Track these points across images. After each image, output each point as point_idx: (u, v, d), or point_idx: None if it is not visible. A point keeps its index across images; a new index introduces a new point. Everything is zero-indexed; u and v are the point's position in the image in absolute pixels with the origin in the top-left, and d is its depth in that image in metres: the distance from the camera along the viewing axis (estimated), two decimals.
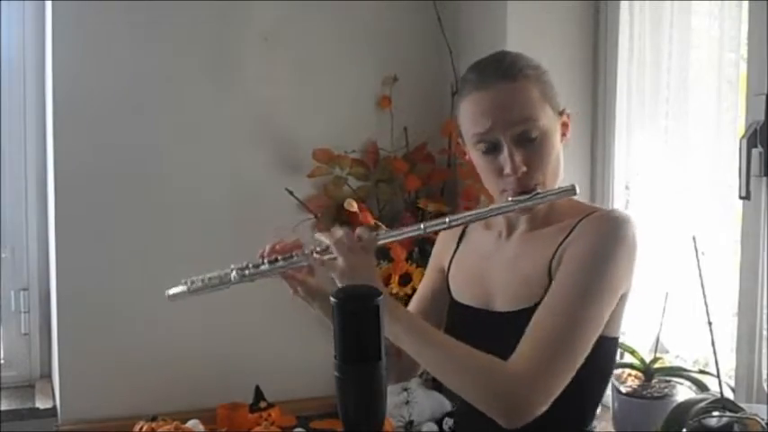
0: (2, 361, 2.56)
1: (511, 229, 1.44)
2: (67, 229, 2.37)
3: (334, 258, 1.33)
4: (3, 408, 2.37)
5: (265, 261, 1.40)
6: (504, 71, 1.34)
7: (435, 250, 1.60)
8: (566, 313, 1.27)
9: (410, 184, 2.57)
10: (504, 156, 1.32)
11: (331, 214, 2.50)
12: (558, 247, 1.34)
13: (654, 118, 2.16)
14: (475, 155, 1.38)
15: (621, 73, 2.27)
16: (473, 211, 1.41)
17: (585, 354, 1.27)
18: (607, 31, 2.33)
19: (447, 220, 1.37)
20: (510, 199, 1.34)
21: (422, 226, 1.38)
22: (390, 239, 1.43)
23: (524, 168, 1.32)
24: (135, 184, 2.39)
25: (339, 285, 1.29)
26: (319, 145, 2.48)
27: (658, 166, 2.15)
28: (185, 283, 1.47)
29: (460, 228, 1.53)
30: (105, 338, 2.37)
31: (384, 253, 2.44)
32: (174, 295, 1.50)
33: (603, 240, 1.31)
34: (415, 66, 2.64)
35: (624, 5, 2.25)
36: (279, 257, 1.40)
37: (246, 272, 1.41)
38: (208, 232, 2.44)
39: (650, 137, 2.18)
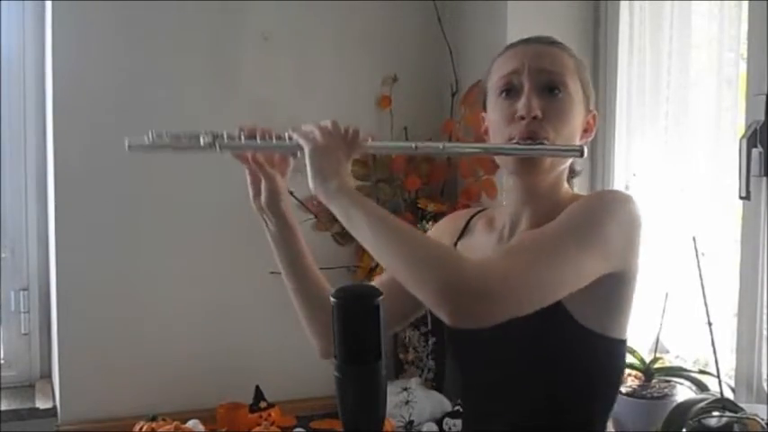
0: (2, 361, 2.56)
1: (513, 229, 1.36)
2: (67, 229, 2.37)
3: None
4: (3, 408, 2.37)
5: (243, 134, 1.32)
6: (549, 39, 1.33)
7: (435, 233, 1.51)
8: (545, 237, 1.18)
9: (410, 184, 2.57)
10: (523, 99, 1.26)
11: (331, 214, 2.49)
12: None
13: (654, 118, 2.16)
14: (494, 106, 1.31)
15: (621, 73, 2.27)
16: (469, 144, 1.35)
17: (559, 287, 1.16)
18: (607, 31, 2.33)
19: (441, 146, 1.32)
20: (514, 141, 1.26)
21: (413, 145, 1.32)
22: (377, 147, 1.39)
23: (540, 114, 1.25)
24: (135, 185, 2.39)
25: (308, 167, 1.22)
26: None
27: (658, 166, 2.15)
28: (149, 136, 1.36)
29: (463, 222, 1.46)
30: (105, 338, 2.37)
31: None
32: (134, 146, 1.37)
33: (594, 204, 1.24)
34: (415, 66, 2.64)
35: (624, 5, 2.25)
36: (258, 135, 1.32)
37: (218, 140, 1.32)
38: (207, 232, 2.44)
39: (650, 137, 2.18)
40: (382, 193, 2.58)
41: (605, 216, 1.21)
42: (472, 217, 1.47)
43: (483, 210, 1.50)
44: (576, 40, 2.36)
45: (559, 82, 1.28)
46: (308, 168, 1.23)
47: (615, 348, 1.30)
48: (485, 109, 1.37)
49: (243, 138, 1.32)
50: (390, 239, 1.16)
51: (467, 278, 1.10)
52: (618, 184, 2.30)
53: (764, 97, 1.74)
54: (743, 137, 1.76)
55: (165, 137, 1.36)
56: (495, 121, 1.31)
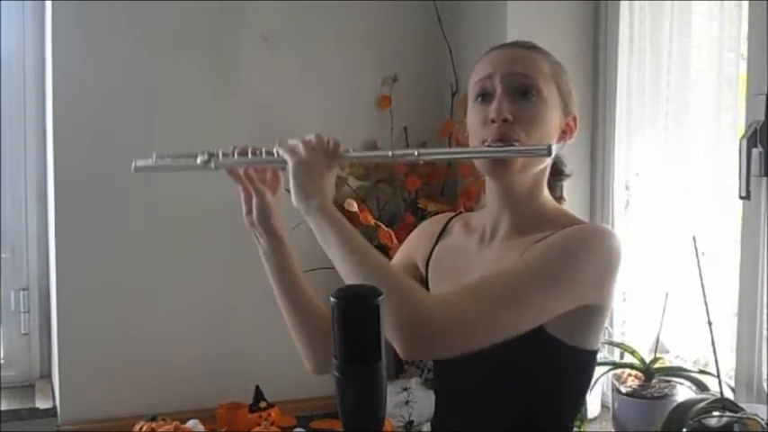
0: (2, 361, 2.56)
1: (494, 232, 1.37)
2: (67, 229, 2.37)
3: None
4: (3, 408, 2.37)
5: (236, 152, 1.35)
6: (525, 43, 1.36)
7: (408, 244, 1.53)
8: (511, 282, 1.20)
9: (410, 184, 2.57)
10: (495, 102, 1.29)
11: None
12: (531, 246, 1.28)
13: (654, 118, 2.16)
14: (471, 111, 1.34)
15: (621, 73, 2.27)
16: (443, 149, 1.38)
17: (507, 331, 1.17)
18: (607, 31, 2.33)
19: (416, 152, 1.34)
20: (485, 144, 1.29)
21: (390, 153, 1.35)
22: (357, 157, 1.44)
23: (510, 117, 1.27)
24: (135, 185, 2.39)
25: (291, 183, 1.26)
26: None
27: (658, 166, 2.15)
28: (153, 158, 1.43)
29: (440, 226, 1.48)
30: (105, 338, 2.37)
31: (383, 251, 2.44)
32: (140, 167, 1.45)
33: (572, 242, 1.25)
34: (415, 66, 2.64)
35: (624, 5, 2.25)
36: (249, 153, 1.35)
37: (213, 158, 1.36)
38: (207, 232, 2.44)
39: (650, 137, 2.18)
40: (382, 193, 2.58)
41: (577, 256, 1.23)
42: (449, 220, 1.49)
43: (458, 213, 1.52)
44: (576, 40, 2.36)
45: (532, 86, 1.30)
46: (291, 183, 1.27)
47: (586, 358, 1.32)
48: (463, 112, 1.41)
49: (236, 155, 1.35)
50: (356, 267, 1.20)
51: (423, 315, 1.15)
52: (618, 183, 2.31)
53: (764, 97, 1.74)
54: (743, 137, 1.76)
55: (167, 159, 1.42)
56: (472, 125, 1.34)
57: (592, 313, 1.27)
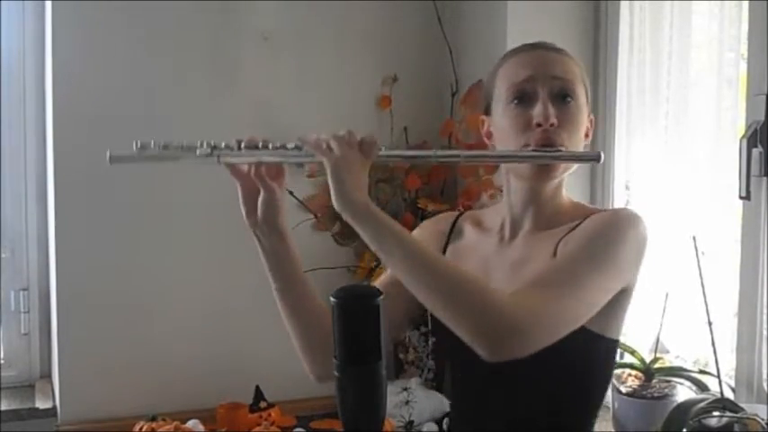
0: (2, 361, 2.56)
1: (514, 230, 1.37)
2: (67, 229, 2.37)
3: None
4: (3, 408, 2.37)
5: (242, 145, 1.26)
6: (553, 46, 1.36)
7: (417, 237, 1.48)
8: (571, 268, 1.22)
9: (410, 184, 2.57)
10: (539, 106, 1.28)
11: (331, 214, 2.49)
12: (563, 238, 1.29)
13: (654, 118, 2.16)
14: (504, 113, 1.32)
15: (621, 73, 2.27)
16: (488, 152, 1.35)
17: (584, 316, 1.20)
18: (607, 31, 2.33)
19: (460, 155, 1.32)
20: (530, 149, 1.28)
21: (433, 153, 1.32)
22: (393, 157, 1.38)
23: (556, 122, 1.28)
24: (135, 185, 2.39)
25: (330, 181, 1.19)
26: None
27: (658, 165, 2.15)
28: (135, 146, 1.27)
29: (448, 225, 1.46)
30: (105, 338, 2.37)
31: None
32: (117, 157, 1.26)
33: (611, 228, 1.27)
34: (415, 66, 2.64)
35: (624, 5, 2.25)
36: (259, 145, 1.26)
37: (217, 150, 1.25)
38: (207, 232, 2.44)
39: (650, 137, 2.18)
40: (382, 193, 2.58)
41: (619, 240, 1.25)
42: (456, 219, 1.47)
43: (463, 212, 1.50)
44: (576, 40, 2.36)
45: (571, 89, 1.31)
46: (331, 185, 1.20)
47: (611, 348, 1.34)
48: (486, 113, 1.38)
49: (243, 147, 1.26)
50: (424, 272, 1.17)
51: (501, 316, 1.13)
52: (618, 183, 2.31)
53: (764, 97, 1.74)
54: (743, 137, 1.76)
55: (152, 148, 1.27)
56: (506, 129, 1.32)
57: (624, 297, 1.29)
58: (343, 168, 1.20)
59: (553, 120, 1.27)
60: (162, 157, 1.26)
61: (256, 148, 1.26)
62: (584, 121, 1.34)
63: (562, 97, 1.30)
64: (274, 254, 1.32)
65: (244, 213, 1.32)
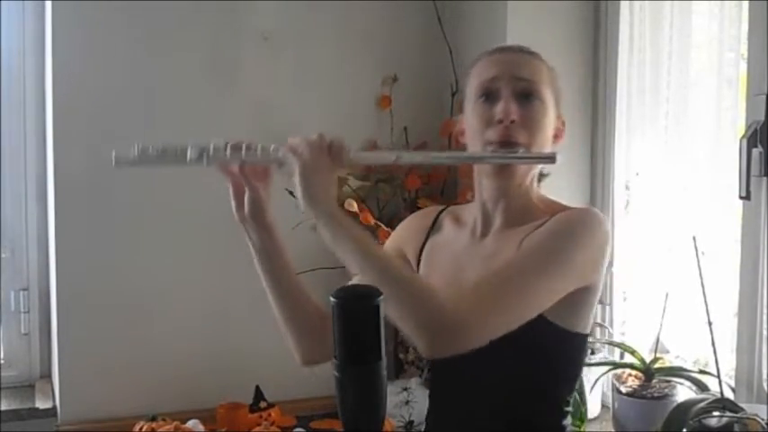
0: (2, 361, 2.56)
1: (486, 226, 1.43)
2: (67, 229, 2.37)
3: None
4: (3, 408, 2.37)
5: (228, 148, 1.34)
6: (522, 48, 1.41)
7: (396, 236, 1.57)
8: (511, 271, 1.27)
9: (410, 184, 2.57)
10: (501, 104, 1.33)
11: None
12: (526, 236, 1.34)
13: (654, 118, 2.16)
14: (472, 110, 1.38)
15: (621, 73, 2.27)
16: (450, 152, 1.42)
17: (522, 314, 1.25)
18: (607, 31, 2.33)
19: (423, 155, 1.38)
20: (491, 150, 1.34)
21: (395, 156, 1.39)
22: (361, 159, 1.47)
23: (516, 119, 1.33)
24: (135, 185, 2.39)
25: (298, 186, 1.28)
26: None
27: (658, 166, 2.15)
28: (137, 149, 1.36)
29: (430, 220, 1.53)
30: (105, 338, 2.37)
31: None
32: (123, 161, 1.37)
33: (566, 228, 1.32)
34: (415, 66, 2.64)
35: (624, 5, 2.25)
36: (243, 149, 1.34)
37: (205, 154, 1.34)
38: (207, 232, 2.44)
39: (650, 137, 2.18)
40: (382, 193, 2.58)
41: (573, 242, 1.30)
42: (439, 213, 1.54)
43: (447, 207, 1.56)
44: (576, 40, 2.36)
45: (535, 90, 1.36)
46: (298, 187, 1.28)
47: (579, 342, 1.39)
48: (460, 113, 1.45)
49: (229, 151, 1.34)
50: (371, 274, 1.24)
51: (441, 316, 1.20)
52: (618, 183, 2.31)
53: (764, 97, 1.74)
54: (743, 137, 1.76)
55: (151, 151, 1.36)
56: (473, 125, 1.38)
57: (587, 294, 1.33)
58: (310, 171, 1.28)
59: (514, 116, 1.33)
60: (160, 160, 1.36)
61: (239, 150, 1.34)
62: (549, 122, 1.38)
63: (525, 96, 1.35)
64: (262, 248, 1.40)
65: (233, 208, 1.40)
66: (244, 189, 1.38)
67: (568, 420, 1.41)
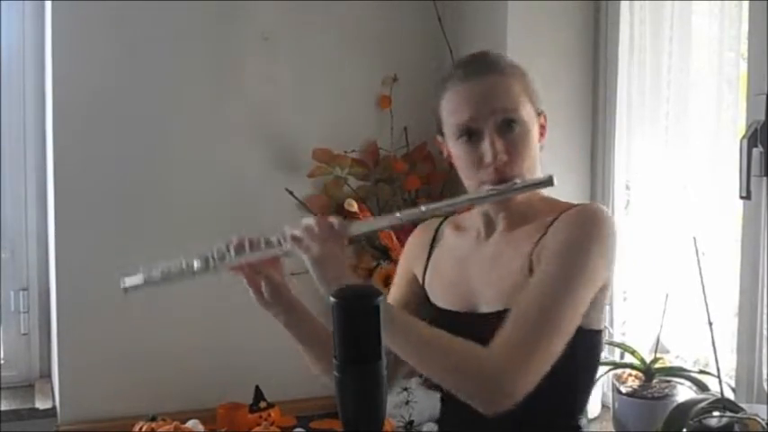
0: (2, 361, 2.56)
1: (489, 229, 1.44)
2: (67, 229, 2.37)
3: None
4: (3, 408, 2.37)
5: (231, 250, 1.37)
6: (487, 65, 1.38)
7: (404, 257, 1.58)
8: (544, 301, 1.28)
9: (410, 184, 2.57)
10: (486, 144, 1.33)
11: (331, 214, 2.49)
12: (538, 242, 1.35)
13: (654, 118, 2.16)
14: (455, 147, 1.38)
15: (621, 73, 2.27)
16: (448, 200, 1.41)
17: (565, 341, 1.27)
18: (607, 31, 2.33)
19: (422, 208, 1.37)
20: (487, 188, 1.34)
21: (398, 215, 1.37)
22: (364, 229, 1.46)
23: (505, 157, 1.33)
24: (135, 185, 2.39)
25: (313, 275, 1.30)
26: (319, 145, 2.48)
27: (658, 166, 2.15)
28: (144, 273, 1.43)
29: (431, 232, 1.54)
30: (105, 338, 2.37)
31: (384, 253, 2.44)
32: (132, 287, 1.44)
33: (580, 232, 1.32)
34: (415, 66, 2.64)
35: (624, 5, 2.25)
36: (246, 246, 1.37)
37: (210, 262, 1.37)
38: (208, 232, 2.41)
39: (650, 137, 2.18)
40: (382, 193, 2.58)
41: (589, 245, 1.31)
42: (439, 225, 1.55)
43: (446, 218, 1.56)
44: (576, 41, 2.36)
45: (515, 117, 1.35)
46: (315, 278, 1.30)
47: (595, 339, 1.41)
48: (440, 134, 1.43)
49: (232, 252, 1.37)
50: (414, 348, 1.27)
51: (490, 385, 1.23)
52: (618, 183, 2.30)
53: (765, 97, 1.73)
54: (743, 137, 1.76)
55: (158, 273, 1.42)
56: (461, 163, 1.38)
57: (601, 291, 1.36)
58: (322, 262, 1.30)
59: (503, 156, 1.33)
60: (167, 279, 1.42)
61: (243, 249, 1.37)
62: (533, 137, 1.38)
63: (507, 125, 1.34)
64: (291, 323, 1.44)
65: (253, 298, 1.44)
66: (256, 280, 1.40)
67: (585, 420, 1.42)
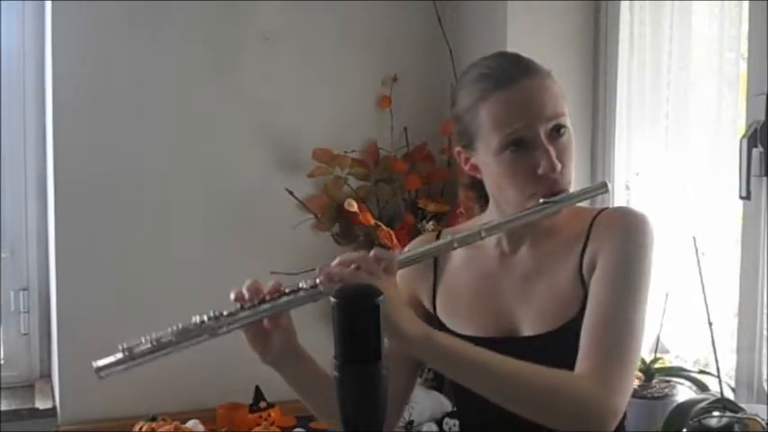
0: (2, 361, 2.56)
1: (515, 244, 1.34)
2: (67, 229, 2.37)
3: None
4: (3, 408, 2.37)
5: (245, 306, 1.24)
6: (525, 67, 1.27)
7: (403, 279, 1.32)
8: (620, 320, 1.22)
9: (410, 184, 2.56)
10: (540, 154, 1.23)
11: (331, 214, 2.49)
12: (582, 254, 1.28)
13: (654, 118, 2.16)
14: (497, 160, 1.26)
15: (621, 73, 2.27)
16: (505, 219, 1.26)
17: (641, 348, 1.27)
18: (607, 31, 2.33)
19: (482, 234, 1.23)
20: (542, 201, 1.24)
21: (454, 243, 1.22)
22: (413, 258, 1.25)
23: (559, 166, 1.24)
24: (135, 185, 2.39)
25: (382, 322, 1.10)
26: (319, 145, 2.48)
27: (658, 166, 2.15)
28: (149, 339, 1.25)
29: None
30: (105, 338, 2.35)
31: None
32: (105, 367, 1.27)
33: (633, 241, 1.26)
34: (415, 66, 2.64)
35: (624, 5, 2.25)
36: (266, 297, 1.22)
37: (220, 323, 1.25)
38: (208, 232, 2.44)
39: (650, 137, 2.18)
40: (382, 193, 2.57)
41: (646, 256, 1.26)
42: (437, 238, 1.39)
43: (441, 230, 1.45)
44: (576, 40, 2.36)
45: (564, 122, 1.27)
46: (382, 324, 1.10)
47: None
48: (466, 146, 1.32)
49: (246, 308, 1.27)
50: (499, 383, 1.16)
51: (585, 403, 1.16)
52: (618, 183, 2.30)
53: (765, 97, 1.73)
54: (743, 137, 1.76)
55: (165, 338, 1.29)
56: (505, 176, 1.27)
57: None
58: (387, 305, 1.00)
59: (559, 165, 1.24)
60: (177, 347, 1.27)
61: (261, 302, 1.25)
62: (574, 143, 1.30)
63: (557, 131, 1.26)
64: (298, 377, 1.38)
65: (258, 356, 1.34)
66: (262, 334, 1.30)
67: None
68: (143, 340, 1.25)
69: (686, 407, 1.67)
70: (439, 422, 2.36)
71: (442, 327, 1.34)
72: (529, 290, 1.31)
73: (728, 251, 1.90)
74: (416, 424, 2.34)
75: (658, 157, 2.15)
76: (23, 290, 2.57)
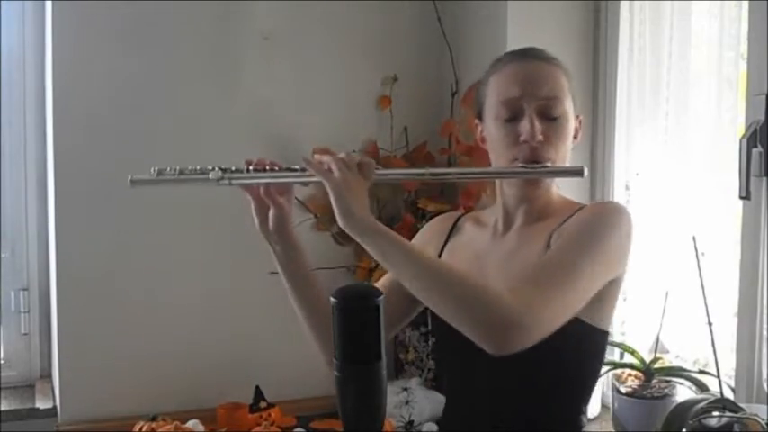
0: (2, 361, 2.56)
1: (507, 224, 1.45)
2: (67, 230, 2.37)
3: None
4: (3, 408, 2.37)
5: (251, 169, 1.37)
6: (541, 54, 1.41)
7: (418, 240, 1.57)
8: (562, 259, 1.28)
9: (410, 184, 2.57)
10: (525, 123, 1.35)
11: (331, 214, 2.48)
12: (554, 231, 1.36)
13: (654, 118, 2.16)
14: (494, 125, 1.39)
15: (621, 73, 2.27)
16: (478, 169, 1.43)
17: (579, 301, 1.27)
18: (607, 31, 2.33)
19: (451, 170, 1.48)
20: (520, 165, 1.35)
21: (424, 171, 1.41)
22: (389, 176, 1.45)
23: (541, 138, 1.35)
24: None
25: (333, 204, 1.26)
26: (319, 145, 2.48)
27: (658, 166, 2.15)
28: (154, 171, 1.41)
29: (450, 223, 1.55)
30: (105, 338, 2.37)
31: None
32: (139, 181, 1.42)
33: (600, 219, 1.34)
34: (415, 66, 2.64)
35: (624, 5, 2.25)
36: (267, 167, 1.36)
37: (227, 174, 1.38)
38: (207, 232, 2.44)
39: (650, 137, 2.18)
40: (382, 193, 2.57)
41: (608, 231, 1.32)
42: (459, 218, 1.57)
43: (465, 213, 1.60)
44: (576, 40, 2.36)
45: (557, 108, 1.38)
46: (334, 205, 1.26)
47: (603, 339, 1.41)
48: (479, 117, 1.46)
49: (251, 171, 1.37)
50: (425, 279, 1.24)
51: (504, 313, 1.19)
52: (618, 183, 2.31)
53: (764, 97, 1.73)
54: (743, 137, 1.76)
55: (170, 172, 1.41)
56: (497, 142, 1.40)
57: (613, 287, 1.36)
58: (344, 189, 1.26)
59: (539, 137, 1.35)
60: (178, 180, 1.40)
61: (264, 170, 1.36)
62: (570, 131, 1.40)
63: (549, 110, 1.37)
64: (287, 261, 1.42)
65: (257, 224, 1.42)
66: (265, 206, 1.40)
67: (585, 421, 1.41)
68: (168, 169, 1.42)
69: (686, 407, 1.67)
70: (439, 422, 2.36)
71: None
72: (507, 267, 1.39)
73: (728, 251, 1.90)
74: (416, 424, 2.34)
75: (658, 157, 2.15)
76: (23, 290, 2.57)
